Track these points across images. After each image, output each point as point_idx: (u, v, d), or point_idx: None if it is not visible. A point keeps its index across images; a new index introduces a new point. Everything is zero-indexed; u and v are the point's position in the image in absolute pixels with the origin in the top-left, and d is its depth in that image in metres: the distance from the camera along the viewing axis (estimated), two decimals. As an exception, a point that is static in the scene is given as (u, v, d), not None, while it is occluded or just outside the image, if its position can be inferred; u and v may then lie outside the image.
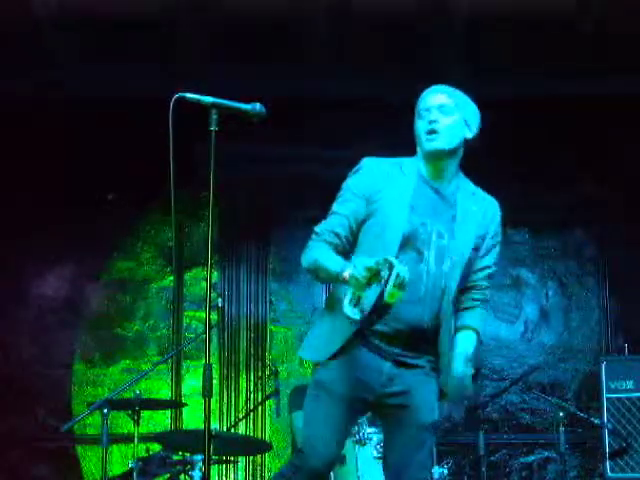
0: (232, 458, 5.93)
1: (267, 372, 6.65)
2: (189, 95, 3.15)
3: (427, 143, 3.35)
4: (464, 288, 3.43)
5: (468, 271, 3.40)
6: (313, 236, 3.41)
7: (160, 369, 6.39)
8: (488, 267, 3.49)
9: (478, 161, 6.85)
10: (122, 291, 6.79)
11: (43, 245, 6.69)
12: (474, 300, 3.48)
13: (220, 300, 6.52)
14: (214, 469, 6.24)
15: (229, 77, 6.19)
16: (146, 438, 5.50)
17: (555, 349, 6.72)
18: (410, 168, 3.39)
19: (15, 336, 6.67)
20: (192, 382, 6.59)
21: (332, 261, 3.26)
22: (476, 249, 3.41)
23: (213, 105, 3.17)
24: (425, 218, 3.32)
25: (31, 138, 6.74)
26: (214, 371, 3.13)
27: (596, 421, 5.75)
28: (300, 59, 6.25)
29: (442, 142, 3.35)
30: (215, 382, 6.32)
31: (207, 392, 3.07)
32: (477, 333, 3.45)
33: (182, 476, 5.07)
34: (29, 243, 6.69)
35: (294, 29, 5.94)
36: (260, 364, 6.69)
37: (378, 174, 3.37)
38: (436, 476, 5.28)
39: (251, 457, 6.50)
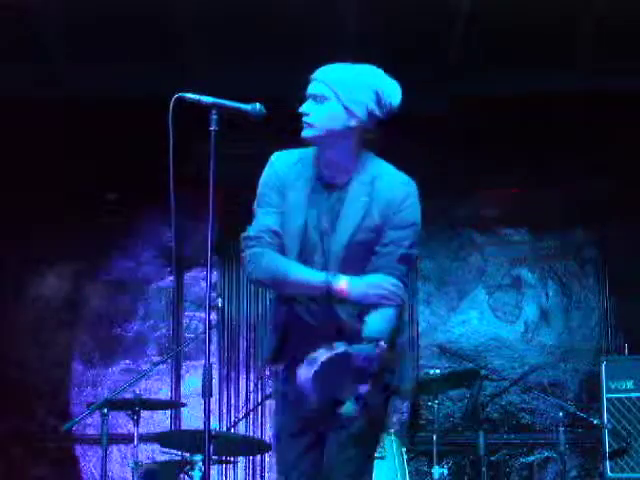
0: (232, 458, 5.93)
1: (267, 372, 6.65)
2: (189, 95, 3.15)
3: (302, 131, 3.17)
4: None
5: (363, 261, 3.14)
6: (250, 242, 3.16)
7: (160, 369, 6.39)
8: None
9: (478, 160, 6.90)
10: (122, 291, 6.79)
11: (43, 245, 6.69)
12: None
13: (220, 300, 6.53)
14: (214, 469, 6.24)
15: (229, 77, 6.20)
16: (146, 438, 5.51)
17: (555, 349, 6.72)
18: (309, 161, 3.22)
19: (15, 336, 6.67)
20: (192, 382, 6.58)
21: (306, 271, 3.09)
22: (368, 241, 3.13)
23: (213, 105, 3.18)
24: (314, 218, 3.16)
25: (31, 138, 6.74)
26: (214, 371, 3.11)
27: (596, 421, 5.75)
28: (300, 59, 6.25)
29: (312, 131, 3.13)
30: (215, 382, 6.32)
31: (207, 392, 3.07)
32: None
33: (182, 476, 5.08)
34: (29, 243, 6.69)
35: (294, 29, 5.95)
36: (260, 364, 6.69)
37: (285, 169, 3.22)
38: (436, 476, 5.29)
39: (251, 457, 6.50)
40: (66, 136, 6.72)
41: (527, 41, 6.17)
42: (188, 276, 6.77)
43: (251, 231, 3.19)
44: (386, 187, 3.15)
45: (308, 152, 3.23)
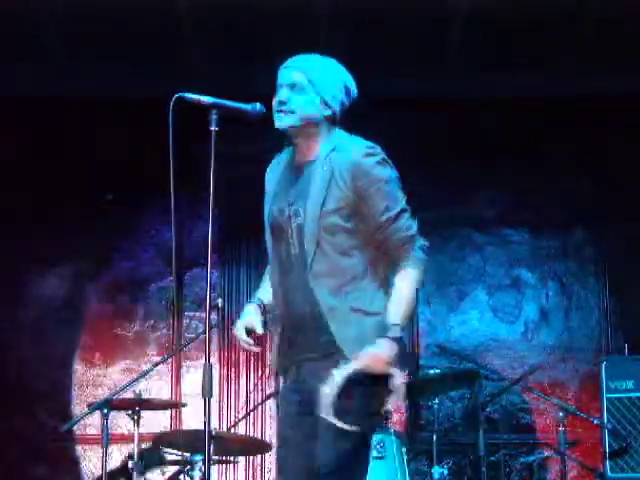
0: (232, 458, 5.93)
1: (267, 372, 6.65)
2: (189, 95, 3.15)
3: (275, 121, 3.18)
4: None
5: (333, 238, 3.12)
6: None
7: (160, 369, 6.38)
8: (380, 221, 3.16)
9: (478, 160, 6.90)
10: (122, 291, 6.79)
11: (43, 245, 6.68)
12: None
13: (220, 300, 6.52)
14: (214, 469, 6.24)
15: (229, 77, 6.20)
16: (146, 438, 5.51)
17: (555, 349, 6.72)
18: (285, 154, 3.32)
19: (15, 336, 6.67)
20: (192, 382, 6.58)
21: None
22: (336, 211, 3.11)
23: (213, 105, 3.18)
24: (283, 203, 3.19)
25: (31, 138, 6.74)
26: (214, 371, 3.11)
27: (596, 421, 5.75)
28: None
29: (288, 121, 3.16)
30: (215, 382, 6.32)
31: (207, 392, 3.07)
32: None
33: (182, 476, 5.08)
34: (29, 243, 6.69)
35: (294, 29, 5.94)
36: (260, 364, 6.68)
37: (269, 172, 3.35)
38: (436, 476, 5.29)
39: (251, 457, 6.50)
40: (66, 136, 6.72)
41: (527, 41, 6.17)
42: (188, 276, 6.77)
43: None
44: (343, 154, 3.14)
45: (285, 150, 3.32)
